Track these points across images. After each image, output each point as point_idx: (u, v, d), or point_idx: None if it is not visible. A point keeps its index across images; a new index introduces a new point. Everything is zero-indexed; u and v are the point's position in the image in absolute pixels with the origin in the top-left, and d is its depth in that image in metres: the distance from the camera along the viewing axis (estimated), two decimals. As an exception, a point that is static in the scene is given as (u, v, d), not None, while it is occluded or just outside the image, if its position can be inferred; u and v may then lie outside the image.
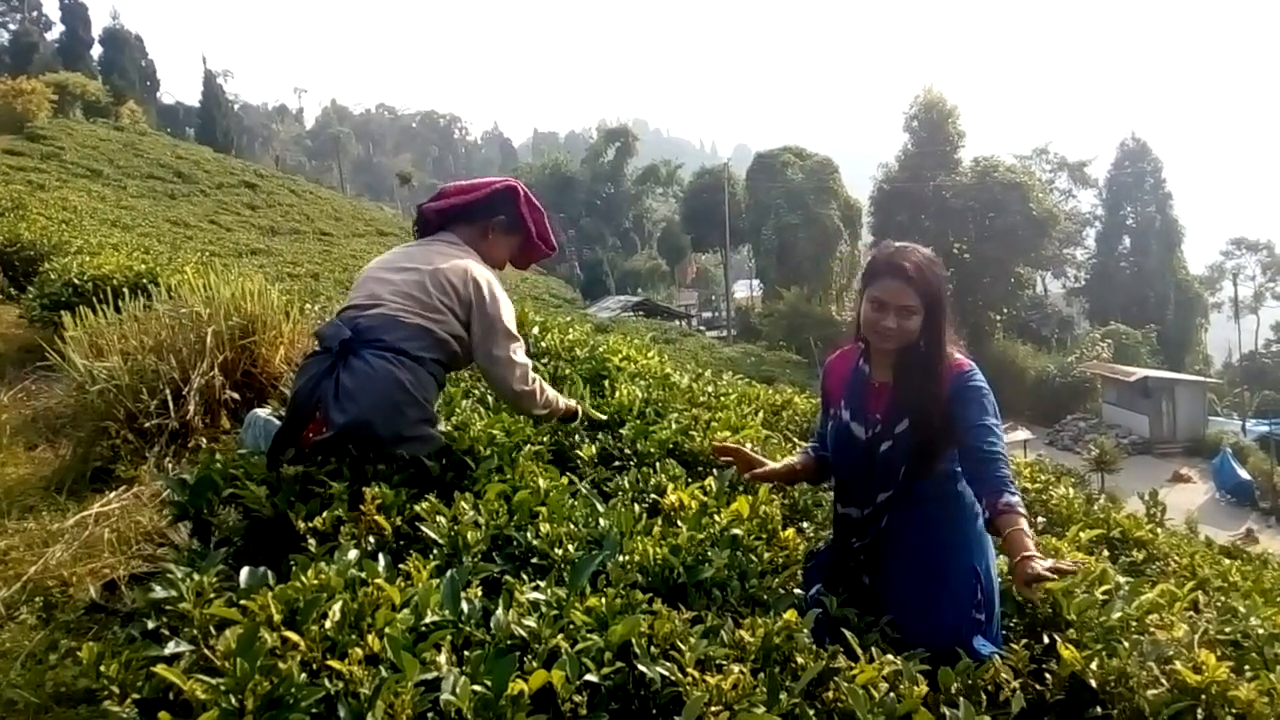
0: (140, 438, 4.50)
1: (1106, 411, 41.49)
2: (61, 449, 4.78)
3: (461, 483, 3.00)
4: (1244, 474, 32.40)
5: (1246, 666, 2.82)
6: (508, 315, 3.22)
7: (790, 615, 2.17)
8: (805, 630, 2.17)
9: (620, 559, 2.45)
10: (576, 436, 3.69)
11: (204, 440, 4.53)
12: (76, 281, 7.08)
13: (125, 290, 6.18)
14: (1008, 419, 37.83)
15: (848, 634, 2.27)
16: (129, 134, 39.89)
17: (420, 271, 3.13)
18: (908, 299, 2.56)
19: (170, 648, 1.92)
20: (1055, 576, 2.23)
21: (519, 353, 3.25)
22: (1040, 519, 4.33)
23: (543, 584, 2.22)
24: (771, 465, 3.00)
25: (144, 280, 6.91)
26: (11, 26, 68.45)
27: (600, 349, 4.93)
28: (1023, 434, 33.63)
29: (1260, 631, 2.97)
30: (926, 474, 2.63)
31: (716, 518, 2.90)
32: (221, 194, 35.45)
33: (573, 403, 3.59)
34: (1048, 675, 2.53)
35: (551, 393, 3.41)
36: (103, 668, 1.90)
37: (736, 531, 2.86)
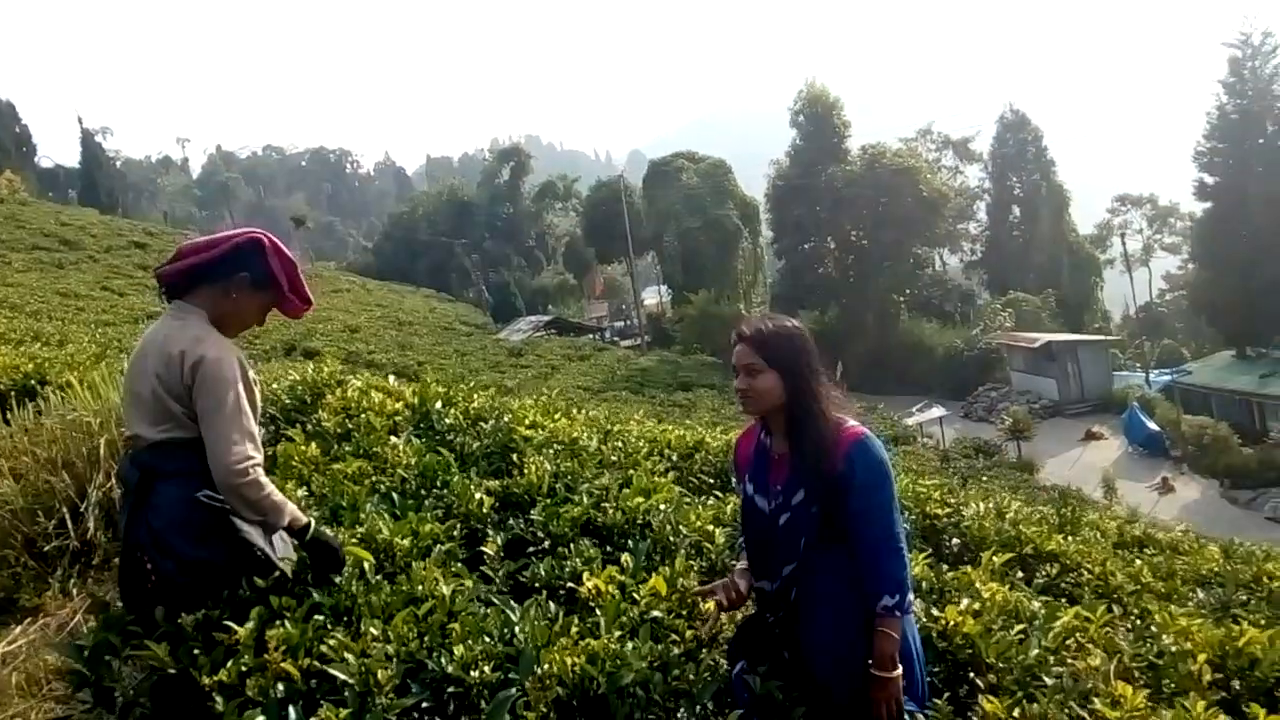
0: (41, 562, 4.32)
1: (1015, 379, 42.62)
2: (-45, 584, 4.57)
3: (353, 586, 2.91)
4: (1153, 425, 33.53)
5: (1165, 680, 2.94)
6: (226, 401, 2.83)
7: None
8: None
9: (538, 671, 2.42)
10: (486, 525, 3.65)
11: (108, 556, 4.38)
12: (-42, 389, 6.75)
13: (12, 396, 5.94)
14: (920, 397, 38.64)
15: None
16: (9, 205, 38.75)
17: (146, 379, 2.87)
18: (749, 359, 2.70)
19: None
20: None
21: (239, 440, 2.81)
22: (955, 541, 4.42)
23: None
24: (740, 581, 2.90)
25: (32, 382, 6.63)
26: None
27: (506, 418, 4.85)
28: (937, 410, 34.30)
29: (1173, 650, 3.09)
30: (825, 546, 2.64)
31: (636, 596, 2.91)
32: (111, 258, 34.50)
33: (301, 517, 3.00)
34: (974, 723, 2.59)
35: (277, 496, 2.92)
36: None
37: (657, 613, 2.87)
